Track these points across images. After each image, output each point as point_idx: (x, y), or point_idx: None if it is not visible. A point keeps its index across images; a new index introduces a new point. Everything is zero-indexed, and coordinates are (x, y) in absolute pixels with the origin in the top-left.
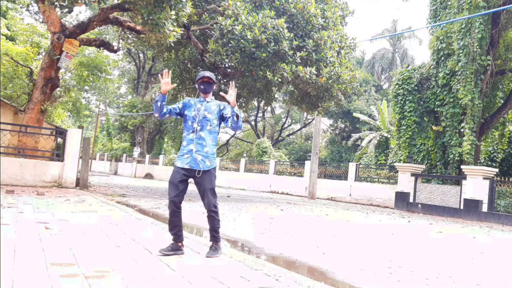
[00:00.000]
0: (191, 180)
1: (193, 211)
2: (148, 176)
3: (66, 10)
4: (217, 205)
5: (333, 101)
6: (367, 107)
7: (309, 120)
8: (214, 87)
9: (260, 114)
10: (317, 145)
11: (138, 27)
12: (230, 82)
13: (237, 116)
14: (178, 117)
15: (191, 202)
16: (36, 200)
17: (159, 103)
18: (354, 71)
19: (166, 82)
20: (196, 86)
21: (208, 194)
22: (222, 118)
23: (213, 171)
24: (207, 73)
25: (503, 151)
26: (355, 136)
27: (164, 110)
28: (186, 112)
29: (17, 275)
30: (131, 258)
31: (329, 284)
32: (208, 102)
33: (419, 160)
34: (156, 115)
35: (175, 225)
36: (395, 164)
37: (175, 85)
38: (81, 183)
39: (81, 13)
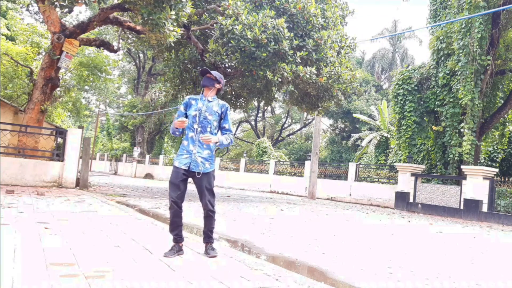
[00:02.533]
0: (190, 179)
1: (192, 211)
2: (148, 176)
3: (66, 10)
4: (215, 205)
5: (333, 101)
6: (367, 107)
7: (309, 120)
8: (217, 85)
9: (260, 114)
10: (317, 145)
11: (138, 27)
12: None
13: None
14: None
15: (191, 202)
16: (36, 200)
17: (177, 133)
18: (354, 71)
19: (182, 121)
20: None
21: (206, 195)
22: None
23: (212, 172)
24: (214, 72)
25: (503, 151)
26: (355, 136)
27: (180, 130)
28: (188, 112)
29: (17, 275)
30: (131, 258)
31: (329, 284)
32: (209, 101)
33: (419, 160)
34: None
35: (177, 225)
36: (395, 164)
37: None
38: (81, 183)
39: (81, 13)
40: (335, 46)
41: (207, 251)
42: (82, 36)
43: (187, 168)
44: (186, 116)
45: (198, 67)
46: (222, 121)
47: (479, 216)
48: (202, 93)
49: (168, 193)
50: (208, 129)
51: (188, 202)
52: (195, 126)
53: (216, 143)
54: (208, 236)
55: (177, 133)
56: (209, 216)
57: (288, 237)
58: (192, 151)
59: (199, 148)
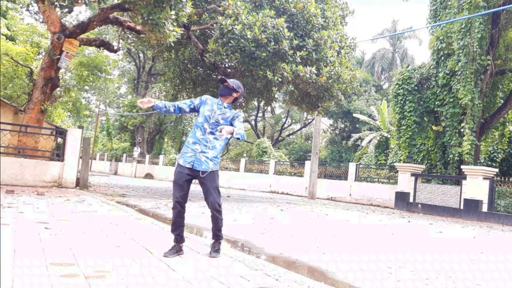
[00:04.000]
0: (194, 180)
1: (193, 211)
2: (148, 176)
3: (66, 10)
4: (221, 204)
5: (333, 101)
6: (367, 107)
7: (309, 120)
8: (234, 94)
9: (260, 114)
10: (317, 145)
11: (138, 27)
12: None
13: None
14: (192, 112)
15: (191, 202)
16: (36, 200)
17: (162, 110)
18: (354, 71)
19: (143, 101)
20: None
21: (212, 193)
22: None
23: (217, 172)
24: (232, 80)
25: (503, 151)
26: (355, 136)
27: (171, 109)
28: (201, 109)
29: (17, 275)
30: (131, 258)
31: (329, 284)
32: (225, 107)
33: (419, 160)
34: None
35: (179, 225)
36: (395, 164)
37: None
38: (81, 183)
39: (81, 13)
40: (335, 46)
41: (211, 250)
42: (82, 36)
43: (191, 167)
44: (194, 108)
45: (198, 67)
46: (233, 121)
47: (479, 216)
48: (220, 98)
49: (171, 193)
50: (217, 133)
51: (188, 202)
52: (206, 126)
53: (232, 133)
54: (216, 234)
55: (158, 109)
56: (215, 216)
57: (288, 237)
58: (197, 149)
59: (204, 148)
